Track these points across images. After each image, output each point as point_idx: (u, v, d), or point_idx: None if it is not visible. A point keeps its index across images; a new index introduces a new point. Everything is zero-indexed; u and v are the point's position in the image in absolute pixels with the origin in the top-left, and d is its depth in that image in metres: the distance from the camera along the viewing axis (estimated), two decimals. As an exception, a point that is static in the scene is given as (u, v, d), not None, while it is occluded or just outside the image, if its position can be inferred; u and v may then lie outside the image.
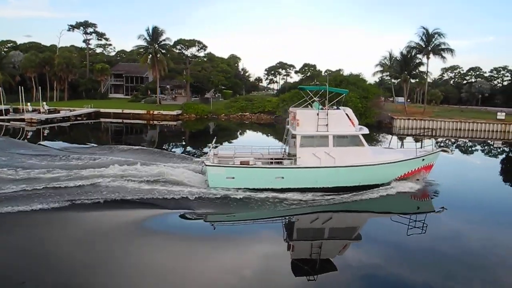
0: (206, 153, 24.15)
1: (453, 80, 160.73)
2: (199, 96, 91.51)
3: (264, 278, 13.08)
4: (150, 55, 73.59)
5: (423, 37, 69.22)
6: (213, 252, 14.88)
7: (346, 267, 14.28)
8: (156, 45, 74.25)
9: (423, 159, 23.78)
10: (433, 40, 68.61)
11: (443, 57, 69.27)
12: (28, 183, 20.92)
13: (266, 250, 15.40)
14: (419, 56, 71.44)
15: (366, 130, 23.11)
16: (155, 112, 68.31)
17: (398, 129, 64.18)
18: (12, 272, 12.52)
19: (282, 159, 23.08)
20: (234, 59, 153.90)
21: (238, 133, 59.20)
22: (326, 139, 21.75)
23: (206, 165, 21.29)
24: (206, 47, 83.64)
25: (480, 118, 69.20)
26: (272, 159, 23.13)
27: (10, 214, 16.84)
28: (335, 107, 23.26)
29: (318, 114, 21.72)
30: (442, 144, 27.32)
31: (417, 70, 78.31)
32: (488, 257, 15.65)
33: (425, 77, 75.73)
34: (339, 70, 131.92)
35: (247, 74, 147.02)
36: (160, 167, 24.24)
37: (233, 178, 21.21)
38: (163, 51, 75.17)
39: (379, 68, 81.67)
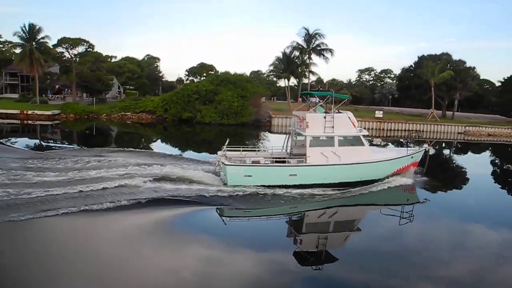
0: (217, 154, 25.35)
1: (370, 82, 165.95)
2: (88, 95, 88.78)
3: (274, 269, 14.21)
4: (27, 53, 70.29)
5: (305, 38, 70.49)
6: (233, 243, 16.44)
7: (347, 256, 15.68)
8: (34, 43, 71.27)
9: (412, 157, 26.93)
10: (314, 40, 69.95)
11: (325, 57, 70.98)
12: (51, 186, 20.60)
13: (276, 243, 16.75)
14: (305, 56, 72.53)
15: (365, 132, 26.01)
16: (29, 112, 65.48)
17: (276, 127, 65.20)
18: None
19: (287, 158, 25.12)
20: (152, 60, 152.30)
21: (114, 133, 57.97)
22: (332, 140, 23.90)
23: (226, 165, 22.57)
24: (93, 46, 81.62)
25: (362, 116, 71.46)
26: (278, 158, 25.23)
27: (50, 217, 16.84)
28: (337, 111, 25.26)
29: (325, 117, 23.77)
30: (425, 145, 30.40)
31: (307, 70, 79.77)
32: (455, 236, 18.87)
33: (307, 76, 76.83)
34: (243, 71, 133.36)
35: (161, 74, 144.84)
36: (171, 168, 25.38)
37: (251, 176, 22.70)
38: (42, 48, 72.20)
39: (272, 68, 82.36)
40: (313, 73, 78.69)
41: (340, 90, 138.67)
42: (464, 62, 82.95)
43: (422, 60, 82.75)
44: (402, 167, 26.56)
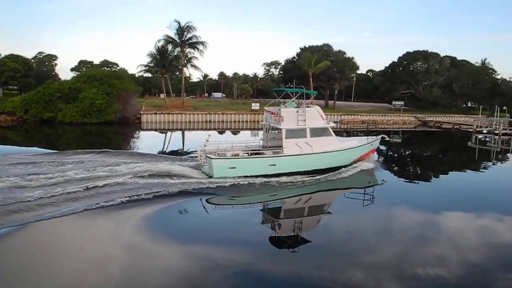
0: (195, 151, 26.96)
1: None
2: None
3: (255, 252, 15.30)
4: None
5: (177, 31, 69.10)
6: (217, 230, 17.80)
7: (320, 238, 16.94)
8: None
9: (372, 144, 30.18)
10: (186, 33, 68.79)
11: (199, 50, 70.11)
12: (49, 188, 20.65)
13: (257, 229, 17.98)
14: (176, 49, 71.15)
15: (332, 124, 29.21)
16: None
17: (146, 124, 63.62)
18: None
19: (263, 150, 27.42)
20: (47, 58, 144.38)
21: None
22: (304, 131, 26.47)
23: (211, 158, 24.33)
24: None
25: (238, 109, 71.65)
26: (255, 151, 27.41)
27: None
28: (307, 105, 27.80)
29: (297, 111, 26.34)
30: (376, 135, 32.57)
31: (190, 63, 78.50)
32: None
33: (183, 70, 75.81)
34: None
35: (53, 73, 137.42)
36: (157, 164, 26.14)
37: (235, 168, 24.72)
38: None
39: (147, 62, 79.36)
40: (196, 67, 77.27)
41: (243, 83, 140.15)
42: (344, 53, 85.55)
43: (303, 51, 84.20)
44: (364, 153, 29.88)
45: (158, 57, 70.99)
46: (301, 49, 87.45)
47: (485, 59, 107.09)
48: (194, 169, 26.21)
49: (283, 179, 24.90)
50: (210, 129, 62.49)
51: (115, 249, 15.31)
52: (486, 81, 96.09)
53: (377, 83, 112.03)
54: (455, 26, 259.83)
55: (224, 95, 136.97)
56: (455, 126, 75.17)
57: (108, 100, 61.04)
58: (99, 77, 65.01)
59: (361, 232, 17.92)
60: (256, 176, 24.67)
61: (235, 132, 61.52)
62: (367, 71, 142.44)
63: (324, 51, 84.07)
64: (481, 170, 35.81)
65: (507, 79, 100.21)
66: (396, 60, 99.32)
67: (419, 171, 36.24)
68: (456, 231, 18.19)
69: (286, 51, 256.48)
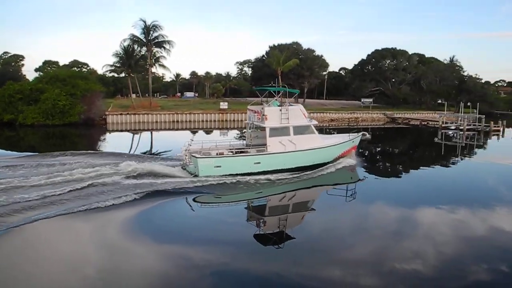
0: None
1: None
2: None
3: (236, 251, 15.44)
4: None
5: (143, 30, 68.12)
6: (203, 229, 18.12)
7: (304, 234, 17.39)
8: None
9: (353, 141, 31.21)
10: (152, 32, 67.85)
11: (166, 49, 69.27)
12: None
13: (241, 227, 18.46)
14: (143, 48, 70.12)
15: (315, 122, 29.98)
16: None
17: (112, 125, 62.44)
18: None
19: (247, 149, 27.61)
20: (12, 58, 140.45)
21: None
22: (288, 129, 27.02)
23: (197, 157, 24.46)
24: None
25: (205, 109, 71.05)
26: (239, 149, 27.83)
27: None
28: (290, 104, 28.80)
29: (280, 110, 26.89)
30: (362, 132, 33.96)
31: (158, 63, 77.52)
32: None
33: (149, 70, 74.69)
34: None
35: (20, 74, 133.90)
36: (141, 165, 25.94)
37: (220, 166, 24.97)
38: None
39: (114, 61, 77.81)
40: (164, 67, 76.40)
41: (216, 83, 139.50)
42: (313, 51, 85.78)
43: (272, 50, 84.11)
44: (346, 150, 30.80)
45: (124, 56, 69.70)
46: (270, 47, 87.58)
47: (453, 56, 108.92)
48: (179, 168, 26.49)
49: (268, 176, 25.34)
50: (177, 129, 62.00)
51: (95, 251, 15.19)
52: (453, 78, 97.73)
53: (349, 80, 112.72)
54: (426, 24, 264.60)
55: (196, 95, 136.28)
56: (422, 123, 76.17)
57: (72, 101, 59.44)
58: (62, 77, 63.32)
59: (343, 229, 18.48)
60: (241, 175, 24.99)
61: (207, 131, 60.99)
62: (340, 69, 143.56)
63: (293, 49, 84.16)
64: (449, 165, 37.27)
65: (473, 76, 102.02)
66: (365, 58, 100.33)
67: (391, 167, 37.20)
68: (431, 226, 18.64)
69: (259, 50, 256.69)
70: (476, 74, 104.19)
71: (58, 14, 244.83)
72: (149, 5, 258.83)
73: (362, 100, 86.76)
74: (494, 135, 59.29)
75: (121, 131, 60.86)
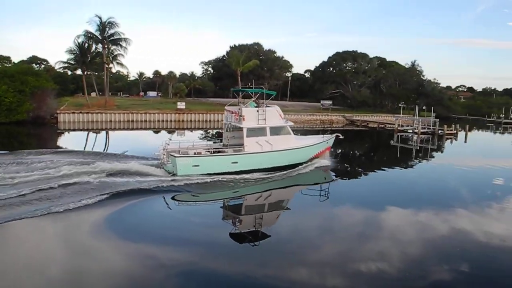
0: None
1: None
2: None
3: (212, 249, 15.46)
4: None
5: (99, 27, 66.46)
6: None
7: (279, 233, 17.74)
8: None
9: (327, 142, 32.25)
10: (107, 29, 66.26)
11: (122, 47, 67.81)
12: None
13: (217, 226, 18.50)
14: (99, 45, 68.36)
15: (291, 123, 30.27)
16: None
17: (63, 124, 60.54)
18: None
19: (223, 148, 28.31)
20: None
21: None
22: (264, 130, 27.63)
23: (175, 157, 24.67)
24: None
25: (162, 108, 70.13)
26: (216, 149, 28.47)
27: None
28: (266, 105, 28.87)
29: (258, 111, 27.50)
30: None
31: (116, 61, 75.68)
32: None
33: (104, 68, 72.89)
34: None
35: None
36: (118, 163, 25.82)
37: (198, 165, 25.26)
38: None
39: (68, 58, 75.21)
40: (122, 65, 74.64)
41: (181, 82, 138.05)
42: (274, 52, 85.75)
43: (232, 50, 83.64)
44: (320, 151, 31.65)
45: (78, 53, 67.74)
46: (231, 47, 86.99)
47: (415, 61, 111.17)
48: (154, 168, 26.43)
49: (245, 176, 25.80)
50: (132, 129, 60.80)
51: (60, 253, 14.83)
52: (413, 82, 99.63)
53: (311, 82, 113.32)
54: (393, 28, 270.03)
55: (159, 94, 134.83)
56: (380, 125, 77.19)
57: (20, 98, 57.16)
58: (10, 73, 60.96)
59: (313, 229, 18.67)
60: (219, 174, 25.32)
61: (156, 131, 60.19)
62: (306, 71, 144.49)
63: (254, 50, 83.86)
64: (406, 167, 38.06)
65: (432, 80, 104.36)
66: (326, 60, 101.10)
67: (354, 170, 37.34)
68: (395, 227, 19.08)
69: (224, 50, 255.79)
70: (435, 79, 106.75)
71: (18, 8, 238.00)
72: (118, 4, 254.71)
73: (322, 102, 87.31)
74: (448, 138, 60.50)
75: (73, 130, 59.08)
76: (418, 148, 51.07)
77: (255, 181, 25.55)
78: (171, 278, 13.11)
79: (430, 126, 65.65)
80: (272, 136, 27.84)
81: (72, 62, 69.25)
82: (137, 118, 65.59)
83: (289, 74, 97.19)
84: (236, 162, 26.46)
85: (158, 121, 66.97)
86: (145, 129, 61.95)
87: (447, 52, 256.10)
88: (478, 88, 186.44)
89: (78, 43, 67.39)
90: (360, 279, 13.56)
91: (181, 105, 71.31)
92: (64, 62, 69.89)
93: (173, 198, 21.77)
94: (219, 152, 27.74)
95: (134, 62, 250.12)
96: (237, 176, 25.49)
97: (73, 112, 61.87)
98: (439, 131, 62.87)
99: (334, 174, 31.28)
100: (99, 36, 67.64)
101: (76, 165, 24.86)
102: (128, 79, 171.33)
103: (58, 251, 15.00)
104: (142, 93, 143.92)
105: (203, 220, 19.42)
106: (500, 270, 14.74)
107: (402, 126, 69.73)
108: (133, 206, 19.84)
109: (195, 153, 26.83)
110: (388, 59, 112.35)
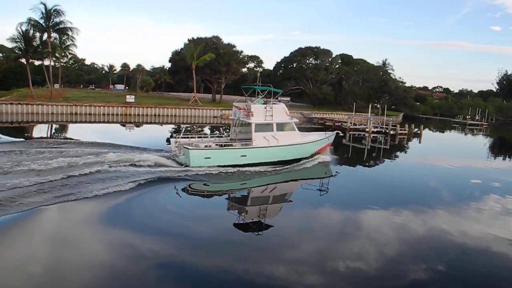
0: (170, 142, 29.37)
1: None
2: None
3: (224, 235, 16.87)
4: None
5: (43, 14, 64.40)
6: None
7: (282, 224, 18.99)
8: None
9: (328, 139, 33.94)
10: (53, 18, 64.19)
11: (69, 36, 65.93)
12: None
13: (226, 214, 20.06)
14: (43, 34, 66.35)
15: (296, 120, 32.94)
16: None
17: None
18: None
19: (230, 142, 30.35)
20: None
21: None
22: (271, 126, 29.50)
23: (189, 149, 26.28)
24: None
25: (107, 102, 68.61)
26: (225, 143, 30.13)
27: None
28: (273, 102, 30.73)
29: (265, 108, 29.20)
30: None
31: (67, 51, 73.78)
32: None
33: (50, 57, 70.96)
34: None
35: None
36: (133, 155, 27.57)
37: (210, 158, 26.96)
38: None
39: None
40: (74, 56, 72.74)
41: (151, 76, 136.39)
42: (233, 46, 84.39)
43: (189, 43, 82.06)
44: (322, 147, 33.55)
45: (21, 41, 65.46)
46: (188, 40, 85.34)
47: (386, 60, 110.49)
48: (168, 159, 28.09)
49: (252, 168, 27.74)
50: (76, 122, 58.98)
51: (48, 246, 14.62)
52: (376, 80, 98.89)
53: (273, 78, 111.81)
54: (370, 27, 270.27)
55: (126, 88, 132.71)
56: (335, 123, 76.33)
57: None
58: None
59: (318, 220, 20.07)
60: (228, 166, 27.13)
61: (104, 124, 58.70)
62: (274, 67, 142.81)
63: (212, 43, 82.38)
64: (369, 165, 39.35)
65: (397, 79, 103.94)
66: (287, 55, 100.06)
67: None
68: (373, 226, 19.34)
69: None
70: (400, 78, 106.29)
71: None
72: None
73: (280, 98, 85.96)
74: (401, 138, 59.98)
75: (10, 123, 57.06)
76: (368, 148, 50.44)
77: (262, 173, 27.55)
78: (150, 270, 13.15)
79: (382, 125, 65.02)
80: (278, 132, 29.75)
81: (17, 51, 66.78)
82: (81, 111, 63.74)
83: (244, 70, 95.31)
84: (245, 156, 28.35)
85: (104, 114, 65.30)
86: (90, 122, 60.26)
87: (428, 54, 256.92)
88: (455, 89, 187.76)
89: (22, 31, 65.09)
90: (337, 277, 13.72)
91: (130, 98, 69.78)
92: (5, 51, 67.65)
93: (187, 187, 23.56)
94: (227, 146, 29.49)
95: (109, 54, 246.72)
96: (246, 169, 27.52)
97: (11, 103, 59.83)
98: (391, 131, 62.21)
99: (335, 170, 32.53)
100: (44, 24, 65.60)
101: (89, 156, 26.41)
102: (103, 72, 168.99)
103: (44, 245, 14.72)
104: (111, 86, 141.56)
105: (210, 210, 20.92)
106: (475, 270, 15.11)
107: (355, 125, 68.96)
108: (145, 195, 20.95)
109: (205, 146, 28.47)
110: (352, 56, 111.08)
